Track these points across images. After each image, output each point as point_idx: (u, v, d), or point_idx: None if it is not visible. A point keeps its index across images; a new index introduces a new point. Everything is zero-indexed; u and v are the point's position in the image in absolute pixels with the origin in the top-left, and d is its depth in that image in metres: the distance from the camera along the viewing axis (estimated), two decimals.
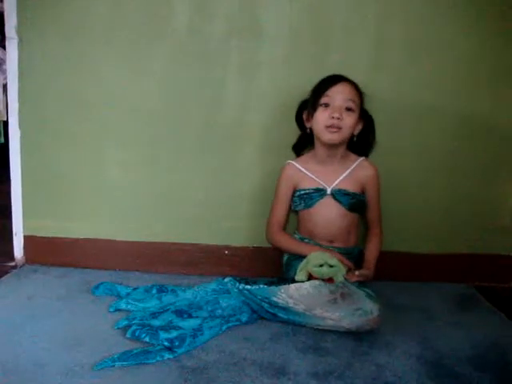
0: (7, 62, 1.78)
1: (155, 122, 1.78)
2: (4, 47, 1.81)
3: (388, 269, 1.73)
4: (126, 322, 1.39)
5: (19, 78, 1.77)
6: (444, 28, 1.71)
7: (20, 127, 1.80)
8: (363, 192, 1.67)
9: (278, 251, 1.72)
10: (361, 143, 1.67)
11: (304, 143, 1.73)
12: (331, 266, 1.44)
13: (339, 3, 1.70)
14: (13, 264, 1.86)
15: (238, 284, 1.55)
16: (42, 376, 1.14)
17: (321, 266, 1.45)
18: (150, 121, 1.78)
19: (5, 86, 2.07)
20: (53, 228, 1.85)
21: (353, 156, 1.68)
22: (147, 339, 1.30)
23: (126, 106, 1.77)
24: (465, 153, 1.79)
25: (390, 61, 1.73)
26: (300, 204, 1.65)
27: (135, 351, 1.24)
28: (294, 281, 1.47)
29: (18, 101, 1.78)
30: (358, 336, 1.38)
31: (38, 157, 1.82)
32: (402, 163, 1.79)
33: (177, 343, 1.27)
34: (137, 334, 1.32)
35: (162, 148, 1.80)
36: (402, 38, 1.72)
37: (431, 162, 1.79)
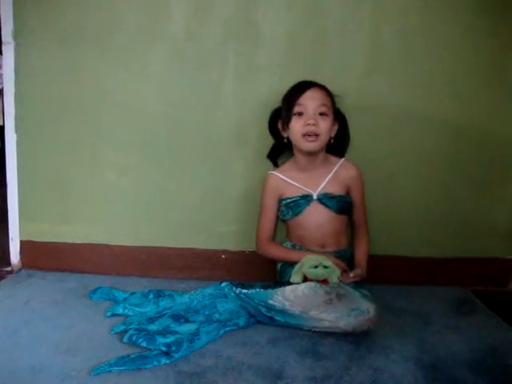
0: (3, 66, 1.78)
1: (152, 126, 1.78)
2: (0, 52, 1.81)
3: (385, 272, 1.74)
4: (122, 327, 1.39)
5: (15, 82, 1.77)
6: (440, 31, 1.71)
7: (16, 131, 1.80)
8: (348, 193, 1.68)
9: (272, 261, 1.73)
10: (337, 143, 1.68)
11: (279, 151, 1.74)
12: (326, 268, 1.45)
13: (335, 6, 1.70)
14: (9, 269, 1.86)
15: (234, 288, 1.54)
16: (38, 381, 1.13)
17: (315, 267, 1.45)
18: (146, 125, 1.78)
19: (1, 91, 2.05)
20: (49, 233, 1.85)
21: (333, 158, 1.69)
22: (144, 344, 1.29)
23: (123, 109, 1.77)
24: (461, 157, 1.80)
25: (386, 63, 1.73)
26: (288, 213, 1.66)
27: (132, 356, 1.23)
28: (289, 283, 1.48)
29: (15, 105, 1.78)
30: (355, 340, 1.37)
31: (35, 161, 1.82)
32: (397, 167, 1.79)
33: (174, 348, 1.27)
34: (134, 338, 1.31)
35: (158, 152, 1.80)
36: (398, 41, 1.72)
37: (427, 166, 1.80)
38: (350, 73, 1.67)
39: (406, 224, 1.82)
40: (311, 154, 1.61)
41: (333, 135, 1.63)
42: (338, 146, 1.69)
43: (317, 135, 1.55)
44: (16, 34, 1.74)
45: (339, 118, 1.66)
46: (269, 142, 1.75)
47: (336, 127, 1.64)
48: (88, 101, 1.77)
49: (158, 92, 1.77)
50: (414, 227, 1.83)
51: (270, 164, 1.75)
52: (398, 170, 1.80)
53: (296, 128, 1.57)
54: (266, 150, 1.76)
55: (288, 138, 1.64)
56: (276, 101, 1.69)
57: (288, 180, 1.66)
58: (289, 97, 1.61)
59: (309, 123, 1.54)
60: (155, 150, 1.80)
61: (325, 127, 1.56)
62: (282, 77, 1.73)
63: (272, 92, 1.73)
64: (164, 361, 1.23)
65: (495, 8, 1.71)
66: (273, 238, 1.72)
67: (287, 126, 1.61)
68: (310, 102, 1.56)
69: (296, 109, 1.57)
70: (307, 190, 1.64)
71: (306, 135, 1.56)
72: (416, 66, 1.73)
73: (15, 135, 1.80)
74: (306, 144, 1.57)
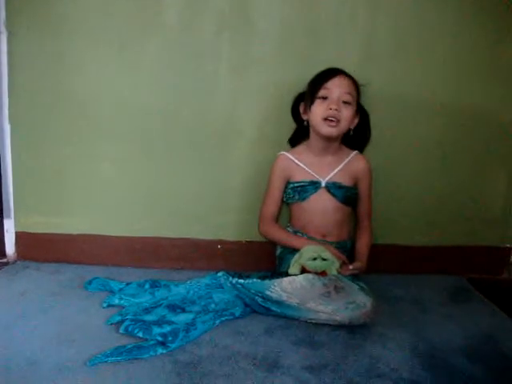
0: None
1: (147, 117, 1.77)
2: None
3: (381, 261, 1.74)
4: (118, 318, 1.39)
5: (9, 72, 1.75)
6: (435, 20, 1.71)
7: (10, 122, 1.78)
8: (356, 185, 1.67)
9: (271, 245, 1.72)
10: (356, 138, 1.67)
11: (300, 136, 1.73)
12: (324, 260, 1.45)
13: None
14: (4, 260, 1.85)
15: (231, 278, 1.55)
16: (34, 372, 1.13)
17: (314, 259, 1.45)
18: (141, 116, 1.77)
19: None
20: (44, 224, 1.84)
21: (346, 149, 1.68)
22: (140, 334, 1.29)
23: (118, 101, 1.76)
24: (456, 146, 1.80)
25: (381, 54, 1.73)
26: (294, 197, 1.65)
27: (128, 346, 1.23)
28: (287, 274, 1.48)
29: (8, 95, 1.76)
30: (351, 329, 1.38)
31: (29, 152, 1.80)
32: (392, 156, 1.80)
33: (170, 338, 1.27)
34: (130, 329, 1.31)
35: (153, 143, 1.79)
36: (393, 32, 1.72)
37: (422, 155, 1.80)
38: (345, 64, 1.66)
39: (401, 213, 1.83)
40: (328, 139, 1.60)
41: (352, 127, 1.62)
42: (356, 141, 1.69)
43: (338, 121, 1.55)
44: (9, 24, 1.72)
45: (362, 113, 1.66)
46: (263, 132, 1.75)
47: (357, 120, 1.63)
48: (83, 92, 1.76)
49: (153, 84, 1.75)
50: (410, 216, 1.83)
51: (265, 154, 1.74)
52: (391, 160, 1.80)
53: (318, 111, 1.56)
54: (262, 141, 1.76)
55: (307, 122, 1.63)
56: (270, 93, 1.69)
57: (298, 163, 1.65)
58: (315, 80, 1.60)
59: (331, 108, 1.53)
60: (150, 141, 1.79)
61: (347, 115, 1.56)
62: (277, 68, 1.72)
63: (266, 83, 1.73)
64: (160, 351, 1.23)
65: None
66: (276, 220, 1.72)
67: (309, 109, 1.59)
68: (336, 87, 1.55)
69: (321, 92, 1.56)
70: (316, 177, 1.63)
71: (326, 119, 1.55)
72: (410, 57, 1.73)
73: (9, 126, 1.78)
74: (326, 128, 1.56)
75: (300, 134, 1.72)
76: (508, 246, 1.87)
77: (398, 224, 1.83)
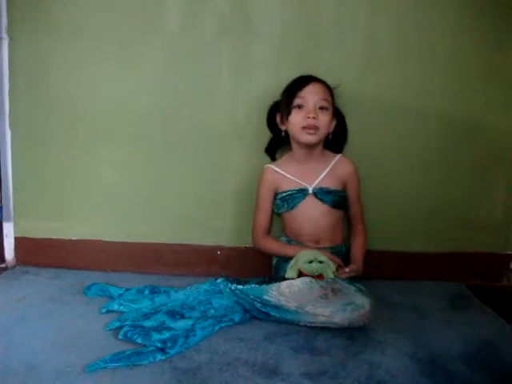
0: None
1: (147, 120, 1.77)
2: None
3: (380, 267, 1.74)
4: (118, 323, 1.39)
5: (10, 77, 1.76)
6: (435, 25, 1.72)
7: (10, 127, 1.79)
8: (344, 188, 1.68)
9: (268, 255, 1.72)
10: (334, 140, 1.68)
11: (277, 146, 1.75)
12: (321, 262, 1.45)
13: (329, 0, 1.70)
14: (3, 265, 1.85)
15: (230, 284, 1.55)
16: (33, 378, 1.12)
17: (310, 262, 1.45)
18: (141, 119, 1.77)
19: None
20: (44, 229, 1.84)
21: (329, 153, 1.69)
22: (139, 340, 1.29)
23: (117, 105, 1.77)
24: (454, 152, 1.80)
25: (381, 58, 1.73)
26: (283, 206, 1.66)
27: (127, 352, 1.23)
28: (284, 279, 1.48)
29: (9, 101, 1.77)
30: (350, 335, 1.37)
31: (29, 157, 1.81)
32: (391, 161, 1.79)
33: (169, 344, 1.27)
34: (129, 335, 1.31)
35: (152, 148, 1.79)
36: (393, 36, 1.72)
37: (421, 161, 1.80)
38: (345, 68, 1.67)
39: (400, 219, 1.82)
40: (309, 146, 1.62)
41: (331, 131, 1.63)
42: (335, 142, 1.70)
43: (316, 128, 1.56)
44: (10, 29, 1.73)
45: (337, 114, 1.66)
46: (264, 136, 1.75)
47: (334, 123, 1.64)
48: (83, 96, 1.77)
49: (153, 87, 1.76)
50: (409, 222, 1.83)
51: (265, 159, 1.75)
52: (391, 165, 1.80)
53: (296, 120, 1.58)
54: (261, 145, 1.76)
55: (286, 132, 1.64)
56: (271, 95, 1.69)
57: (284, 173, 1.66)
58: (290, 89, 1.61)
59: (309, 116, 1.54)
60: (150, 146, 1.79)
61: (325, 121, 1.57)
62: (277, 72, 1.73)
63: (267, 87, 1.74)
64: (159, 357, 1.23)
65: (491, 4, 1.71)
66: (269, 232, 1.73)
67: (286, 119, 1.61)
68: (311, 95, 1.56)
69: (296, 101, 1.57)
70: (303, 184, 1.64)
71: (305, 128, 1.56)
72: (411, 61, 1.74)
73: (9, 131, 1.79)
74: (306, 136, 1.57)
75: (277, 144, 1.74)
76: (508, 252, 1.86)
77: (398, 230, 1.83)
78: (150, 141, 1.79)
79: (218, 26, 1.72)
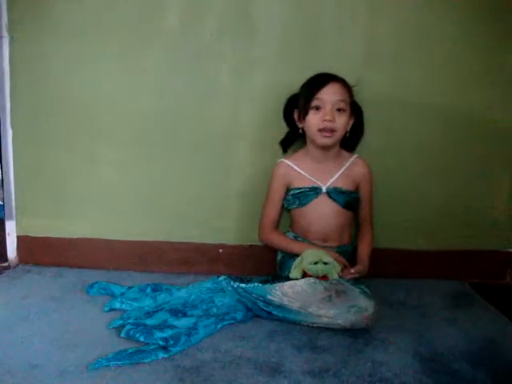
0: None
1: (148, 120, 1.77)
2: None
3: (383, 266, 1.73)
4: (120, 322, 1.39)
5: (11, 76, 1.76)
6: (434, 24, 1.71)
7: (12, 126, 1.79)
8: (357, 189, 1.67)
9: (272, 250, 1.72)
10: (350, 137, 1.67)
11: (292, 140, 1.73)
12: (325, 264, 1.44)
13: (330, 0, 1.70)
14: (6, 264, 1.86)
15: (232, 282, 1.54)
16: (35, 376, 1.13)
17: (315, 263, 1.45)
18: (142, 120, 1.77)
19: None
20: (46, 228, 1.84)
21: (346, 154, 1.68)
22: (142, 338, 1.29)
23: (119, 104, 1.77)
24: (457, 149, 1.80)
25: (381, 58, 1.73)
26: (294, 203, 1.65)
27: (130, 351, 1.23)
28: (288, 279, 1.47)
29: (10, 100, 1.77)
30: (353, 333, 1.37)
31: (31, 156, 1.81)
32: (393, 160, 1.79)
33: (171, 342, 1.27)
34: (131, 333, 1.31)
35: (154, 147, 1.79)
36: (393, 35, 1.72)
37: (424, 159, 1.80)
38: (346, 67, 1.67)
39: (403, 217, 1.82)
40: (325, 148, 1.61)
41: (348, 129, 1.62)
42: (352, 139, 1.69)
43: (333, 131, 1.55)
44: (11, 28, 1.73)
45: (355, 110, 1.65)
46: (264, 136, 1.75)
47: (352, 121, 1.63)
48: (83, 96, 1.77)
49: (154, 87, 1.76)
50: (412, 220, 1.82)
51: (267, 158, 1.75)
52: (394, 163, 1.80)
53: (313, 122, 1.56)
54: (262, 145, 1.76)
55: (303, 129, 1.63)
56: (271, 95, 1.69)
57: (298, 170, 1.65)
58: (307, 89, 1.59)
59: (326, 119, 1.53)
60: (151, 145, 1.79)
61: (342, 123, 1.56)
62: (278, 71, 1.73)
63: (268, 86, 1.74)
64: (162, 355, 1.23)
65: (489, 4, 1.71)
66: (277, 227, 1.72)
67: (303, 119, 1.60)
68: (329, 97, 1.54)
69: (314, 103, 1.56)
70: (317, 183, 1.63)
71: (322, 130, 1.55)
72: (410, 61, 1.74)
73: (11, 130, 1.79)
74: (322, 139, 1.57)
75: (292, 138, 1.73)
76: (511, 250, 1.86)
77: (401, 228, 1.82)
78: (152, 140, 1.79)
79: (218, 26, 1.71)
